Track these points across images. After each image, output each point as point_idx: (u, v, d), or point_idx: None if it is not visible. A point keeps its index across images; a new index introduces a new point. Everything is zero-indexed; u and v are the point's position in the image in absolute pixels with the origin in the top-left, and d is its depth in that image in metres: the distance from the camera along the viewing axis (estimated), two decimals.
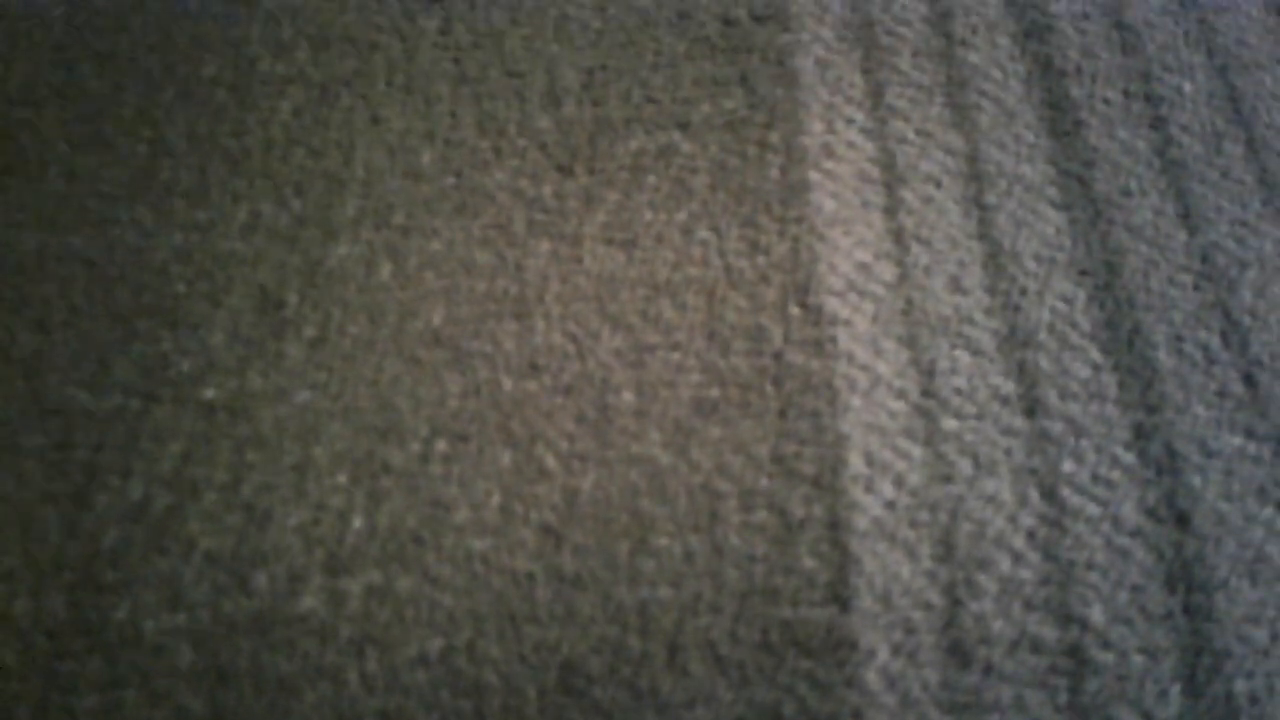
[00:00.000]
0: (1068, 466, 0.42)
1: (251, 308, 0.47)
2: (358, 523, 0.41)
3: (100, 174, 0.52)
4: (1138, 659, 0.37)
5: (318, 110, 0.54)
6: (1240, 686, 0.36)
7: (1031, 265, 0.48)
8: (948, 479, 0.42)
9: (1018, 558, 0.40)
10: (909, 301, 0.47)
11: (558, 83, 0.55)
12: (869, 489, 0.42)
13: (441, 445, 0.43)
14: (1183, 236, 0.48)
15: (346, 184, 0.52)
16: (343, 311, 0.47)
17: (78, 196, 0.51)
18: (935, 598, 0.39)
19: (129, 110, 0.54)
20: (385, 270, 0.48)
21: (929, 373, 0.45)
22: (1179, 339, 0.45)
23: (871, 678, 0.37)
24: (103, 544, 0.41)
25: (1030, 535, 0.40)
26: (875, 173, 0.51)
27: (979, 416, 0.43)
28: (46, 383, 0.45)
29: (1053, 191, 0.50)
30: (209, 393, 0.45)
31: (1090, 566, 0.39)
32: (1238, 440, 0.42)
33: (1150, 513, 0.41)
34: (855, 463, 0.42)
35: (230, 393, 0.45)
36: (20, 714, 0.38)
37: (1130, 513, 0.41)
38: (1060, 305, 0.46)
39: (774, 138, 0.53)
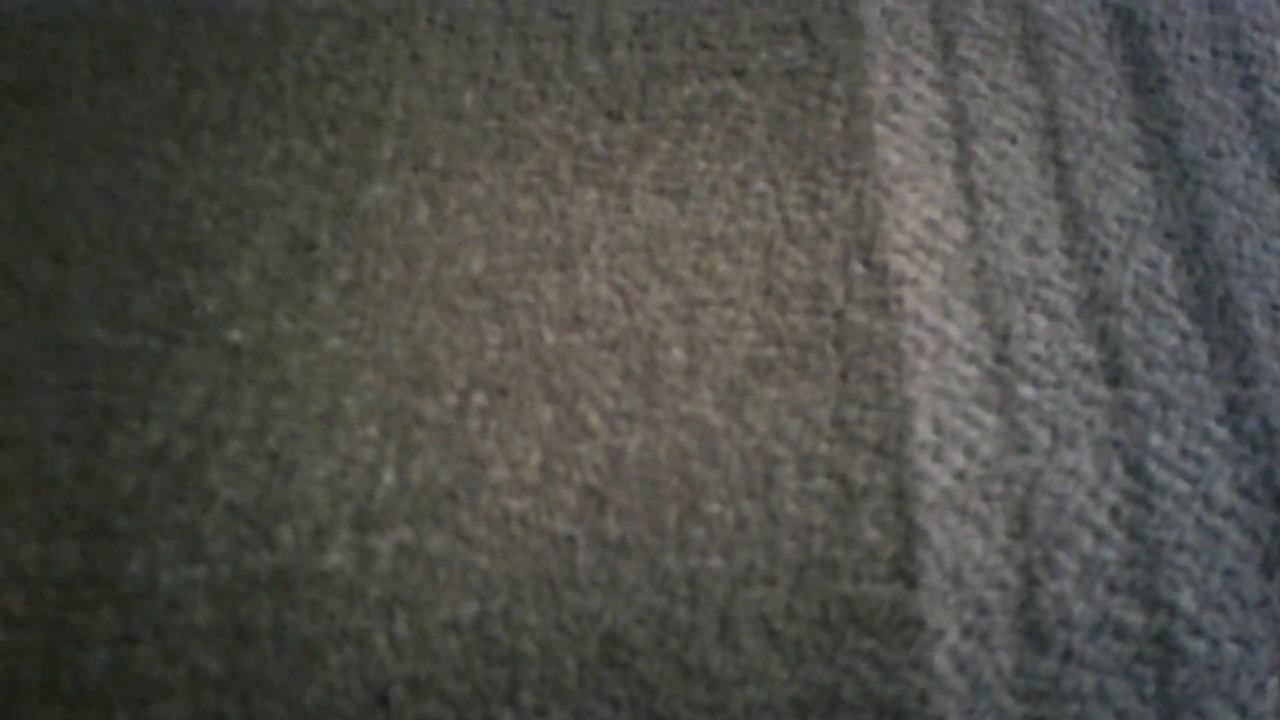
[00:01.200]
0: (1155, 440, 0.39)
1: (281, 248, 0.45)
2: (389, 477, 0.39)
3: (125, 105, 0.49)
4: (1232, 648, 0.35)
5: (355, 46, 0.51)
6: None
7: (1114, 226, 0.45)
8: (1024, 449, 0.39)
9: (1100, 536, 0.37)
10: (981, 262, 0.44)
11: (607, 26, 0.52)
12: (937, 458, 0.39)
13: (479, 398, 0.41)
14: (1276, 201, 0.45)
15: (384, 123, 0.49)
16: (377, 255, 0.44)
17: (101, 128, 0.48)
18: (1010, 576, 0.36)
19: (158, 40, 0.51)
20: (422, 214, 0.46)
21: (1003, 337, 0.42)
22: (1275, 308, 0.42)
23: (940, 660, 0.35)
24: (118, 490, 0.38)
25: (1114, 512, 0.37)
26: (945, 127, 0.48)
27: (1058, 385, 0.40)
28: (63, 318, 0.42)
29: (1136, 150, 0.47)
30: (235, 335, 0.42)
31: (1180, 548, 0.36)
32: None
33: (1245, 492, 0.38)
34: (922, 430, 0.39)
35: (257, 336, 0.42)
36: (26, 667, 0.35)
37: (1223, 491, 0.38)
38: (1145, 269, 0.43)
39: (837, 88, 0.50)
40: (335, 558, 0.37)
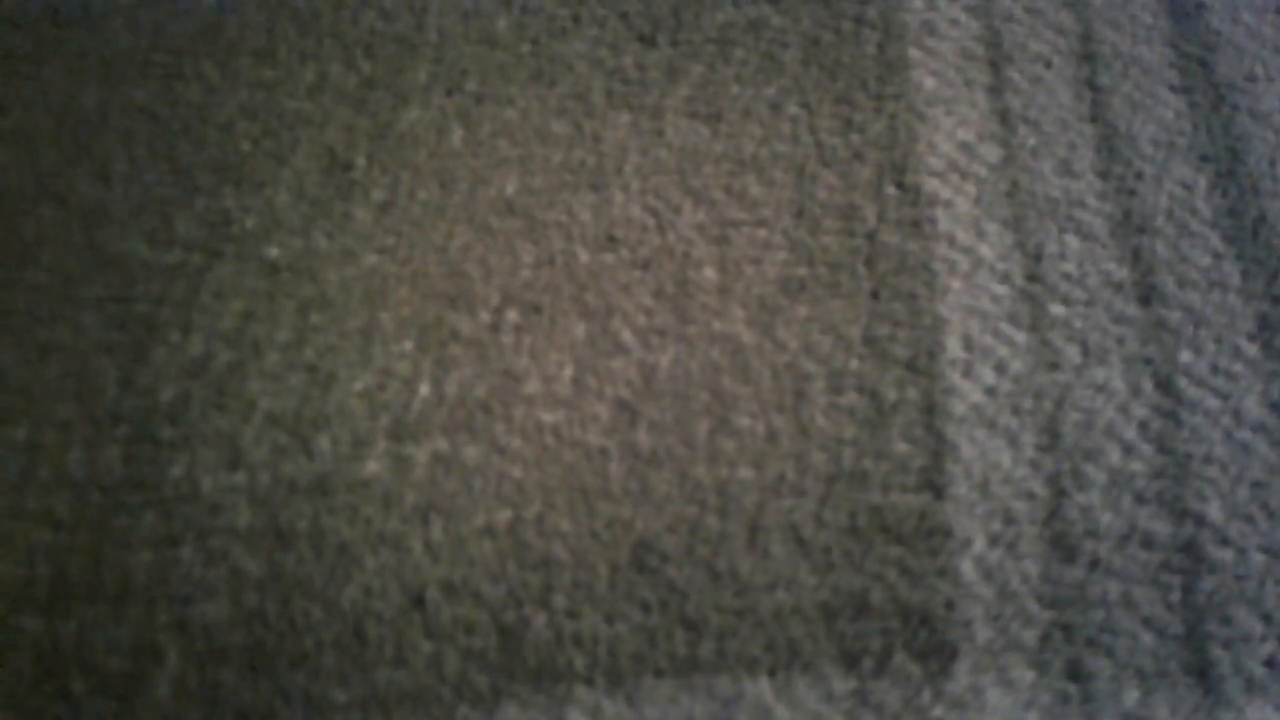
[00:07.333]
0: (1185, 357, 0.39)
1: (318, 168, 0.45)
2: (424, 390, 0.39)
3: (164, 28, 0.50)
4: (1259, 557, 0.35)
5: None
6: None
7: (1148, 149, 0.45)
8: (1054, 366, 0.39)
9: (1129, 449, 0.37)
10: (1015, 184, 0.44)
11: None
12: (968, 374, 0.39)
13: (513, 315, 0.41)
14: None
15: (418, 48, 0.49)
16: (413, 176, 0.45)
17: (141, 50, 0.49)
18: (1038, 488, 0.36)
19: None
20: (457, 136, 0.46)
21: (1035, 256, 0.42)
22: None
23: (966, 568, 0.35)
24: (160, 399, 0.39)
25: (1143, 427, 0.38)
26: (980, 51, 0.48)
27: (1089, 303, 0.41)
28: (106, 234, 0.43)
29: (1172, 75, 0.47)
30: (273, 251, 0.43)
31: (1208, 460, 0.37)
32: None
33: (1275, 407, 0.38)
34: (953, 347, 0.40)
35: (295, 253, 0.43)
36: (72, 568, 0.36)
37: (1253, 406, 0.38)
38: (1179, 191, 0.43)
39: (871, 14, 0.50)
40: (372, 466, 0.38)
